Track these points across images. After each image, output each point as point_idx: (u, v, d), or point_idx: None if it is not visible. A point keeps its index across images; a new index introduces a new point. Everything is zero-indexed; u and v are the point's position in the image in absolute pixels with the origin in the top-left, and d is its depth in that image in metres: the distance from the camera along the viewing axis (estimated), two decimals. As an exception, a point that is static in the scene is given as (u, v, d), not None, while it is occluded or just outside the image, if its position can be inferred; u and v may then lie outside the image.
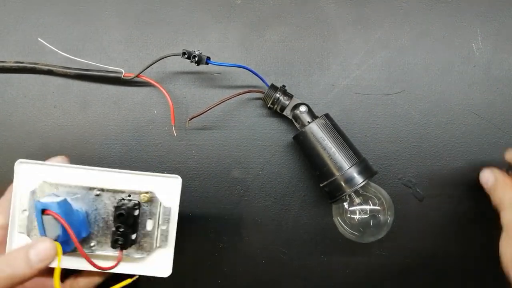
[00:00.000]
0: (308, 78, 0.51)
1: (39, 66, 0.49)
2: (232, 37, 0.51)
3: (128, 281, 0.40)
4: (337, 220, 0.46)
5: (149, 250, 0.40)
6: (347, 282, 0.51)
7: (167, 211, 0.40)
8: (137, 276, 0.41)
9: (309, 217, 0.51)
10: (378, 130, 0.51)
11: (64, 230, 0.36)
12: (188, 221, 0.48)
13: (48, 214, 0.36)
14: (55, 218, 0.35)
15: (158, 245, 0.40)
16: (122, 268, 0.40)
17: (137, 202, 0.39)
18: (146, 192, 0.39)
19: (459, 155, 0.51)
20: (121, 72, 0.48)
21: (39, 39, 0.49)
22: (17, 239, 0.39)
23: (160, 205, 0.40)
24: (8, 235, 0.39)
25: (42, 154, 0.48)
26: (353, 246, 0.51)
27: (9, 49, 0.50)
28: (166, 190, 0.41)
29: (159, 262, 0.41)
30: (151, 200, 0.39)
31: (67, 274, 0.43)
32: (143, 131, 0.50)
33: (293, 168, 0.51)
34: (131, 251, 0.40)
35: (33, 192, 0.39)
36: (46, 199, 0.37)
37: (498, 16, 0.52)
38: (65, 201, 0.37)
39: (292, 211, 0.51)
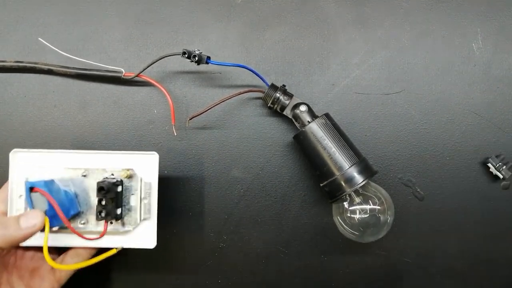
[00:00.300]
0: (308, 77, 0.51)
1: (39, 66, 0.49)
2: (232, 37, 0.51)
3: (113, 251, 0.43)
4: (337, 220, 0.45)
5: (135, 224, 0.43)
6: (347, 282, 0.51)
7: (148, 186, 0.43)
8: (121, 247, 0.43)
9: (309, 217, 0.51)
10: (378, 130, 0.51)
11: (50, 205, 0.38)
12: (188, 221, 0.48)
13: (35, 192, 0.38)
14: (42, 195, 0.38)
15: (142, 218, 0.43)
16: (110, 241, 0.43)
17: (119, 179, 0.42)
18: (127, 169, 0.42)
19: (459, 154, 0.51)
20: (121, 72, 0.48)
21: (39, 38, 0.49)
22: None
23: (141, 180, 0.43)
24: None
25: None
26: (353, 246, 0.51)
27: (9, 49, 0.50)
28: (145, 167, 0.43)
29: (144, 234, 0.44)
30: (131, 176, 0.42)
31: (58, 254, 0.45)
32: (143, 131, 0.50)
33: (293, 168, 0.51)
34: (117, 225, 0.43)
35: (27, 178, 0.41)
36: (34, 179, 0.40)
37: (498, 16, 0.52)
38: (52, 181, 0.40)
39: (292, 211, 0.51)
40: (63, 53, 0.48)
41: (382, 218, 0.44)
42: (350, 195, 0.44)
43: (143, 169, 0.43)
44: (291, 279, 0.51)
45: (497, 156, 0.50)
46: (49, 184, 0.39)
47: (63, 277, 0.44)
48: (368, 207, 0.44)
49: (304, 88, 0.51)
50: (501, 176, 0.50)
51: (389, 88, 0.51)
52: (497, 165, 0.49)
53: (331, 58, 0.51)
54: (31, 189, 0.38)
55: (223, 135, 0.51)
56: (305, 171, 0.51)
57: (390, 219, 0.44)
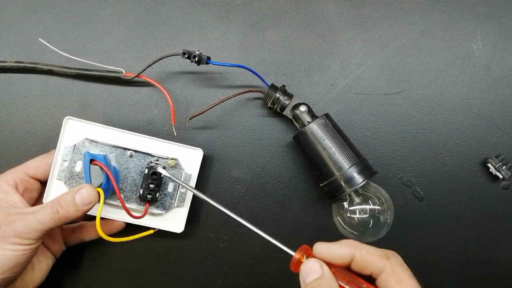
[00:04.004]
0: (308, 78, 0.51)
1: (40, 66, 0.49)
2: (232, 37, 0.51)
3: (150, 231, 0.45)
4: (337, 220, 0.45)
5: (168, 208, 0.47)
6: (347, 282, 0.51)
7: (188, 177, 0.47)
8: (156, 229, 0.46)
9: (309, 217, 0.51)
10: (378, 130, 0.51)
11: (107, 179, 0.42)
12: (188, 221, 0.48)
13: (95, 164, 0.42)
14: (101, 168, 0.42)
15: (176, 205, 0.47)
16: (145, 221, 0.46)
17: (164, 166, 0.45)
18: (173, 158, 0.46)
19: (459, 155, 0.51)
20: (121, 72, 0.48)
21: (39, 39, 0.49)
22: (54, 185, 0.44)
23: (183, 171, 0.46)
24: (48, 180, 0.44)
25: (42, 154, 0.48)
26: (353, 246, 0.51)
27: (10, 49, 0.50)
28: (188, 159, 0.47)
29: (175, 219, 0.47)
30: (175, 166, 0.46)
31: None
32: (143, 131, 0.50)
33: (293, 168, 0.51)
34: (152, 207, 0.46)
35: (74, 146, 0.44)
36: (93, 151, 0.44)
37: (498, 16, 0.52)
38: (106, 156, 0.44)
39: (292, 211, 0.51)
40: (63, 53, 0.48)
41: (382, 218, 0.44)
42: (350, 195, 0.44)
43: (186, 161, 0.47)
44: (291, 279, 0.51)
45: (497, 156, 0.50)
46: (106, 159, 0.43)
47: (70, 243, 0.47)
48: (368, 207, 0.44)
49: (304, 88, 0.51)
50: (501, 176, 0.50)
51: (389, 88, 0.51)
52: (497, 165, 0.49)
53: (331, 58, 0.51)
54: (90, 161, 0.42)
55: (223, 136, 0.51)
56: (305, 171, 0.51)
57: (390, 219, 0.44)
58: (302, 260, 0.35)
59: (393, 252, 0.36)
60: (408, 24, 0.52)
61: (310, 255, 0.36)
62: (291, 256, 0.36)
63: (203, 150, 0.48)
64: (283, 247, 0.36)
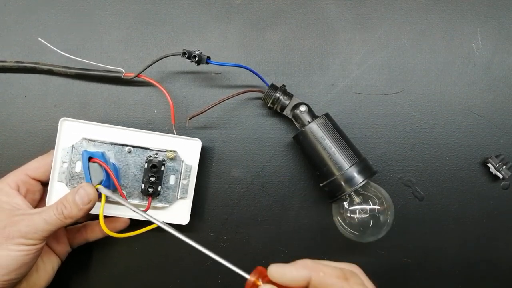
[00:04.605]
0: (308, 78, 0.51)
1: (39, 66, 0.49)
2: (232, 37, 0.51)
3: (155, 225, 0.43)
4: (337, 220, 0.45)
5: (171, 201, 0.47)
6: (347, 282, 0.51)
7: (189, 168, 0.47)
8: (162, 222, 0.44)
9: (309, 217, 0.51)
10: (378, 130, 0.51)
11: (107, 175, 0.42)
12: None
13: (94, 162, 0.42)
14: (100, 165, 0.42)
15: (179, 197, 0.47)
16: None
17: (163, 159, 0.45)
18: (171, 151, 0.45)
19: (459, 154, 0.51)
20: (121, 72, 0.48)
21: (39, 38, 0.49)
22: (56, 187, 0.45)
23: (183, 162, 0.46)
24: (50, 183, 0.44)
25: (42, 154, 0.48)
26: (353, 246, 0.51)
27: (10, 49, 0.50)
28: (187, 151, 0.47)
29: (179, 212, 0.48)
30: (175, 158, 0.46)
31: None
32: (143, 131, 0.50)
33: (293, 168, 0.51)
34: (155, 201, 0.46)
35: (73, 147, 0.44)
36: (91, 149, 0.44)
37: (498, 16, 0.52)
38: (104, 153, 0.44)
39: (292, 211, 0.51)
40: (63, 53, 0.48)
41: (382, 218, 0.44)
42: (350, 195, 0.44)
43: (185, 153, 0.47)
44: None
45: (497, 156, 0.50)
46: (104, 156, 0.43)
47: (75, 243, 0.47)
48: (368, 207, 0.44)
49: (304, 88, 0.51)
50: (501, 176, 0.50)
51: (389, 88, 0.51)
52: (497, 165, 0.49)
53: (331, 58, 0.51)
54: (89, 159, 0.42)
55: (223, 135, 0.51)
56: (305, 171, 0.51)
57: (390, 219, 0.44)
58: (258, 283, 0.33)
59: (352, 270, 0.34)
60: (408, 24, 0.52)
61: (266, 277, 0.34)
62: (245, 279, 0.34)
63: (204, 150, 0.48)
64: (237, 270, 0.34)
